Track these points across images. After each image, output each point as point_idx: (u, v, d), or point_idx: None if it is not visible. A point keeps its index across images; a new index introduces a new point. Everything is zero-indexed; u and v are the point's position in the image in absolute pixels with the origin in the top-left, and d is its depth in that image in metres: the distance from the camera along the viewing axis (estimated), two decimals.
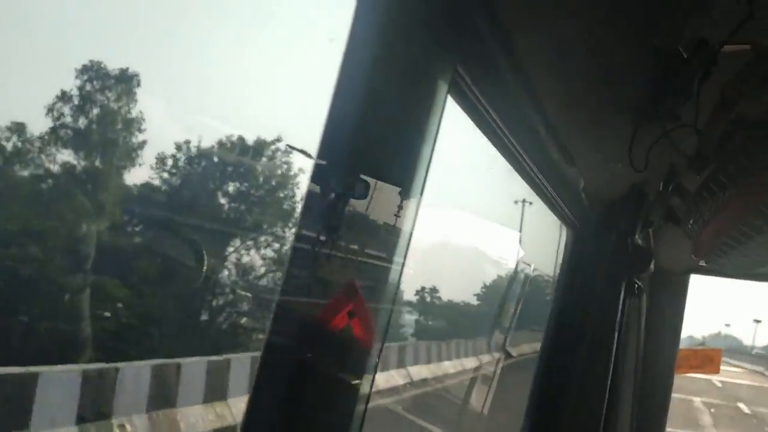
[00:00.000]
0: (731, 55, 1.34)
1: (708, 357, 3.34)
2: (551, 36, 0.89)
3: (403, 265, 0.69)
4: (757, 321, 43.84)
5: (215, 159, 16.36)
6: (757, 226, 1.17)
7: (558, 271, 1.60)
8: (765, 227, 1.18)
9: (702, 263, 3.01)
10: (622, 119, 1.30)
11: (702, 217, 1.24)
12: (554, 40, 0.91)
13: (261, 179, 16.83)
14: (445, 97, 0.64)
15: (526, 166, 1.06)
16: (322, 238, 0.65)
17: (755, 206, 1.13)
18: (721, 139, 1.27)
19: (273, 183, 16.88)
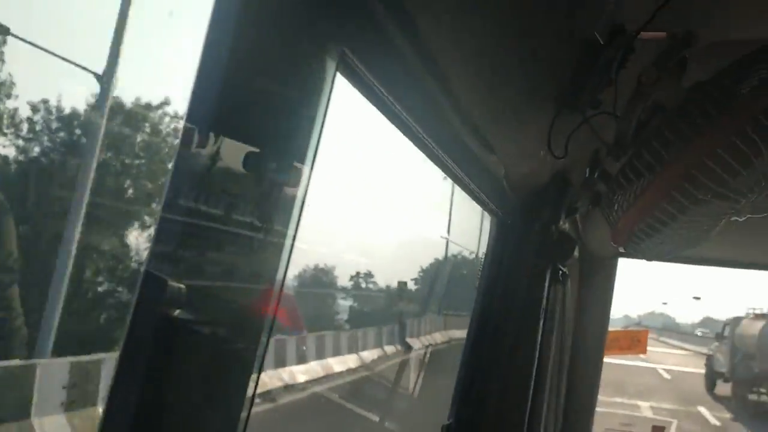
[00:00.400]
0: (648, 43, 1.35)
1: (635, 338, 3.44)
2: (460, 20, 0.86)
3: (291, 248, 0.63)
4: (696, 298, 44.00)
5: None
6: (671, 213, 1.17)
7: (483, 259, 1.59)
8: (679, 214, 1.19)
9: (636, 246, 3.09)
10: (541, 106, 1.29)
11: (620, 205, 1.24)
12: (464, 25, 0.87)
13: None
14: (333, 78, 0.60)
15: (440, 155, 1.02)
16: (192, 216, 0.58)
17: (669, 193, 1.14)
18: (638, 126, 1.28)
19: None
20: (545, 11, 1.13)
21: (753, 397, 15.84)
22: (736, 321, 18.52)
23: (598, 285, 3.13)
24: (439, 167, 1.08)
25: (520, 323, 1.62)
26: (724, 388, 16.87)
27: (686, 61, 1.35)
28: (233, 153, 0.56)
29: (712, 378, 18.09)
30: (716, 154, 1.09)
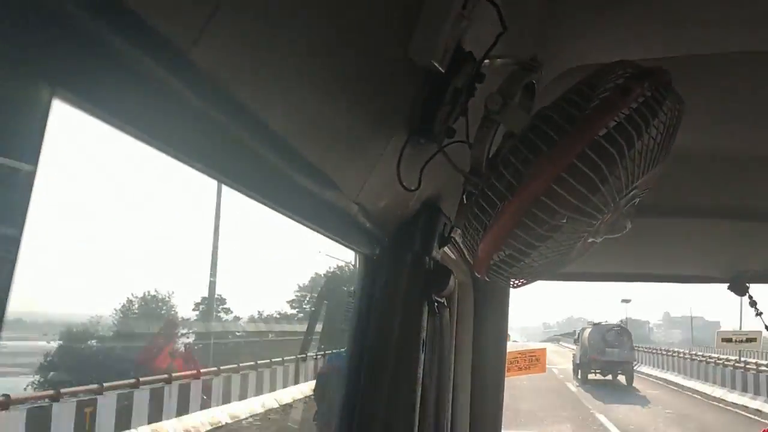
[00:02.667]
0: (498, 69, 1.34)
1: (534, 357, 3.48)
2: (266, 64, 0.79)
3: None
4: (626, 301, 44.09)
5: None
6: (525, 240, 1.15)
7: (355, 300, 1.53)
8: (534, 241, 1.17)
9: None
10: (389, 138, 1.25)
11: (476, 234, 1.21)
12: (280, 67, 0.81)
13: None
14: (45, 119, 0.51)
15: (266, 200, 0.95)
16: None
17: (521, 221, 1.12)
18: (489, 154, 1.26)
19: None
20: (384, 41, 1.09)
21: (591, 375, 26.41)
22: (582, 329, 28.95)
23: (494, 308, 3.15)
24: (281, 212, 1.00)
25: (398, 358, 1.56)
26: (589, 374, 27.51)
27: (534, 87, 1.35)
28: None
29: (574, 368, 28.33)
30: (562, 179, 1.08)
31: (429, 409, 1.66)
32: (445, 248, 1.79)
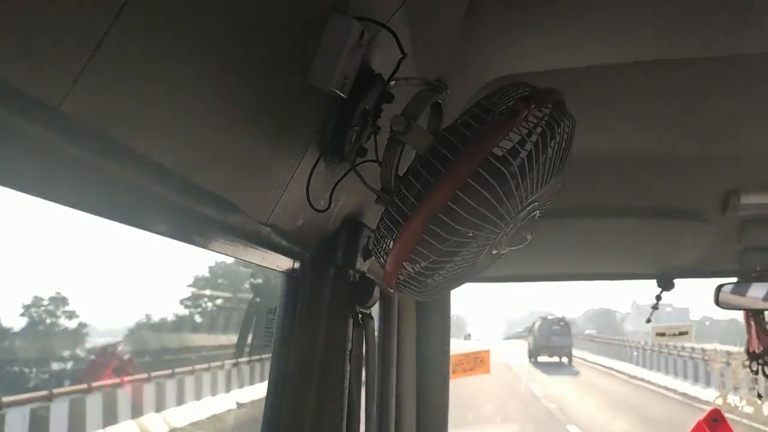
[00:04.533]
0: (407, 90, 1.40)
1: (478, 359, 3.56)
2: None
3: None
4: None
5: None
6: (426, 255, 1.21)
7: (276, 318, 1.56)
8: (440, 258, 1.23)
9: None
10: (302, 161, 1.29)
11: (384, 251, 1.26)
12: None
13: None
14: None
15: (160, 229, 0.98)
16: None
17: (421, 238, 1.17)
18: (397, 172, 1.32)
19: None
20: (286, 69, 1.14)
21: (541, 359, 32.70)
22: (533, 323, 35.11)
23: (434, 312, 3.22)
24: (186, 242, 1.03)
25: (324, 371, 1.60)
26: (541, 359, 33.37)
27: (441, 107, 1.41)
28: None
29: (528, 353, 34.08)
30: (458, 197, 1.14)
31: (358, 418, 1.70)
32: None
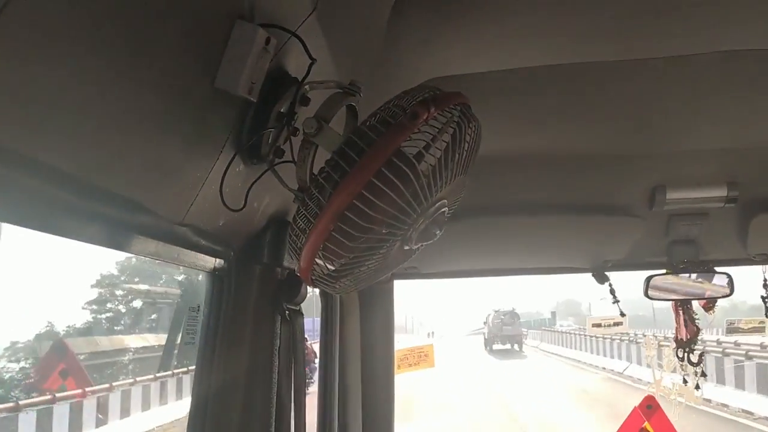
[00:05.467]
0: (317, 93, 1.45)
1: (422, 353, 3.64)
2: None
3: None
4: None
5: None
6: (336, 252, 1.26)
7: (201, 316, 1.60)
8: (350, 255, 1.29)
9: (405, 269, 3.28)
10: (217, 161, 1.33)
11: (299, 246, 1.31)
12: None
13: None
14: None
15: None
16: None
17: (330, 234, 1.23)
18: (312, 172, 1.37)
19: None
20: (193, 73, 1.17)
21: (495, 347, 37.76)
22: (488, 315, 39.41)
23: (378, 308, 3.28)
24: (92, 243, 1.06)
25: (252, 369, 1.64)
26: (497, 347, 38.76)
27: (356, 109, 1.47)
28: None
29: (484, 342, 39.52)
30: (363, 196, 1.20)
31: (288, 414, 1.75)
32: None
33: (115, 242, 1.12)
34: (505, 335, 37.86)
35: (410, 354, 3.64)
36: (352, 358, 3.18)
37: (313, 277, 1.34)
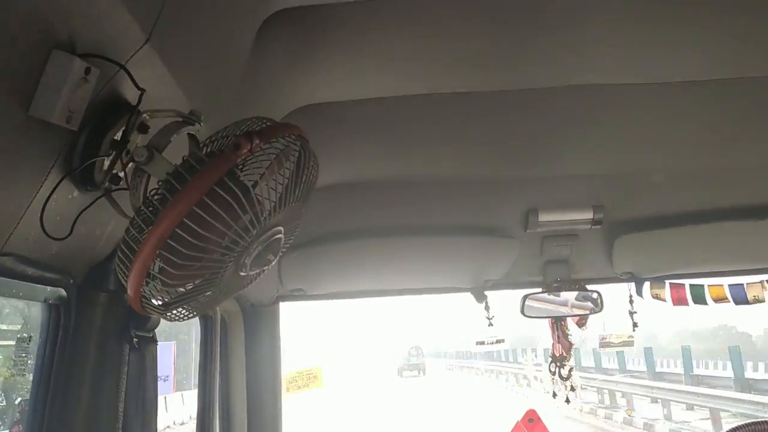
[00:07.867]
0: (162, 121, 1.46)
1: (311, 375, 3.66)
2: None
3: None
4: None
5: None
6: (168, 273, 1.27)
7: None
8: (176, 282, 1.30)
9: (291, 291, 3.29)
10: (41, 189, 1.31)
11: (124, 274, 1.31)
12: None
13: None
14: None
15: None
16: None
17: (151, 262, 1.23)
18: (145, 199, 1.37)
19: None
20: (6, 93, 1.15)
21: (406, 374, 46.18)
22: (401, 349, 48.79)
23: (264, 331, 3.27)
24: None
25: (94, 398, 1.61)
26: None
27: (196, 137, 1.48)
28: None
29: (397, 372, 46.73)
30: (184, 224, 1.21)
31: None
32: None
33: None
34: (411, 364, 47.61)
35: (299, 376, 3.64)
36: (237, 381, 3.15)
37: (143, 303, 1.34)
